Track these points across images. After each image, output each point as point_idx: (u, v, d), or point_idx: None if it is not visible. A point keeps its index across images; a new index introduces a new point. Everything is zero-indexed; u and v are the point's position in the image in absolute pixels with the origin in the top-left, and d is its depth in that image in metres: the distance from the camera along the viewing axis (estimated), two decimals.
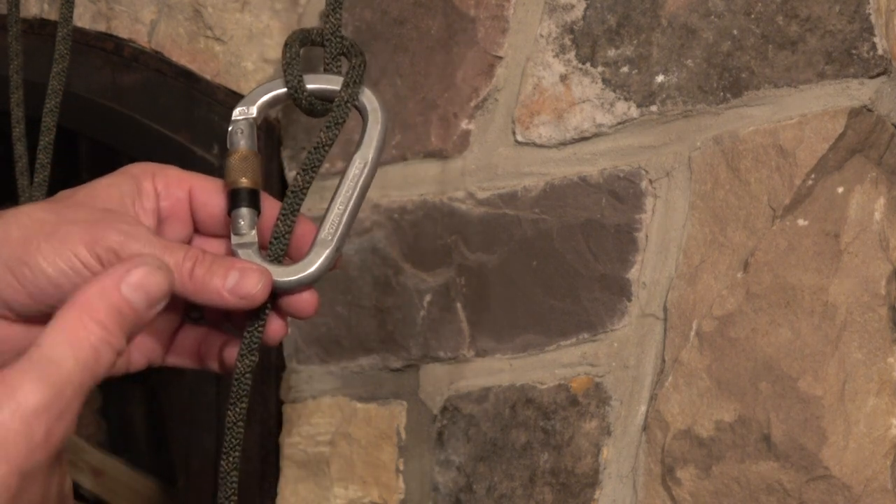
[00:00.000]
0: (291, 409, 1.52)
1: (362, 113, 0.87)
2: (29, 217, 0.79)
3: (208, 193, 0.85)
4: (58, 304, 0.78)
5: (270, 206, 0.86)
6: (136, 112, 1.63)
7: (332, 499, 1.48)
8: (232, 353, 0.85)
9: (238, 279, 0.79)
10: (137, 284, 0.71)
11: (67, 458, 0.72)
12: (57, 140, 1.23)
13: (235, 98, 1.57)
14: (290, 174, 1.52)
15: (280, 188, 1.55)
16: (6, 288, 0.77)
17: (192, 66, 1.59)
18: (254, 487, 1.54)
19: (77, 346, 0.69)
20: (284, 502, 1.51)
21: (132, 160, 1.97)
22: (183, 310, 0.86)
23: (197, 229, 0.86)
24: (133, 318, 0.71)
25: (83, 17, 1.64)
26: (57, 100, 1.20)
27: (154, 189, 0.84)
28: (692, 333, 1.26)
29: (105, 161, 2.03)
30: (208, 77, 1.58)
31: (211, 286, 0.79)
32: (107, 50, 1.64)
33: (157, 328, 0.85)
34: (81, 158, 2.08)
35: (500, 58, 1.39)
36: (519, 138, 1.38)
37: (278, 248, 0.83)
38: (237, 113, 0.85)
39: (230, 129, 0.85)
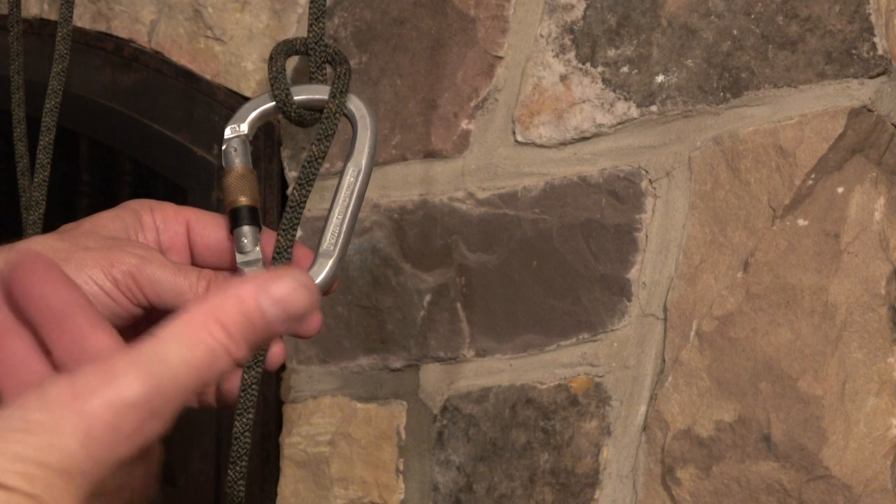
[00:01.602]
0: (291, 409, 1.52)
1: (351, 121, 0.87)
2: (42, 246, 0.79)
3: (204, 226, 0.86)
4: None
5: (269, 240, 0.86)
6: (136, 112, 1.63)
7: (332, 499, 1.48)
8: (228, 387, 0.86)
9: None
10: (279, 298, 0.67)
11: (159, 452, 0.69)
12: (57, 140, 1.23)
13: (235, 98, 1.57)
14: (291, 174, 1.52)
15: (280, 188, 1.55)
16: None
17: (192, 66, 1.59)
18: (254, 488, 1.54)
19: (192, 346, 0.65)
20: (284, 502, 1.51)
21: (132, 160, 1.98)
22: None
23: (194, 261, 0.86)
24: (262, 330, 0.67)
25: (83, 17, 1.64)
26: (57, 100, 1.20)
27: (154, 222, 0.85)
28: (692, 333, 1.26)
29: (105, 161, 2.03)
30: (208, 77, 1.58)
31: None
32: (107, 50, 1.64)
33: None
34: (81, 158, 2.08)
35: (500, 58, 1.39)
36: (519, 138, 1.38)
37: (281, 263, 0.84)
38: (229, 131, 0.87)
39: (223, 148, 0.86)
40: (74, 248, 0.79)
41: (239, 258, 0.84)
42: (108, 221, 0.84)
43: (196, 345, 0.64)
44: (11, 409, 0.61)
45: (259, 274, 0.68)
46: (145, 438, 0.63)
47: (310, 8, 0.91)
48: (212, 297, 0.66)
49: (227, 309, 0.65)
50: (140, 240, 0.84)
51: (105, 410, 0.62)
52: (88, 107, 1.65)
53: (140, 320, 0.83)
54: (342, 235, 0.85)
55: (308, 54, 0.90)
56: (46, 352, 0.70)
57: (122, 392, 0.62)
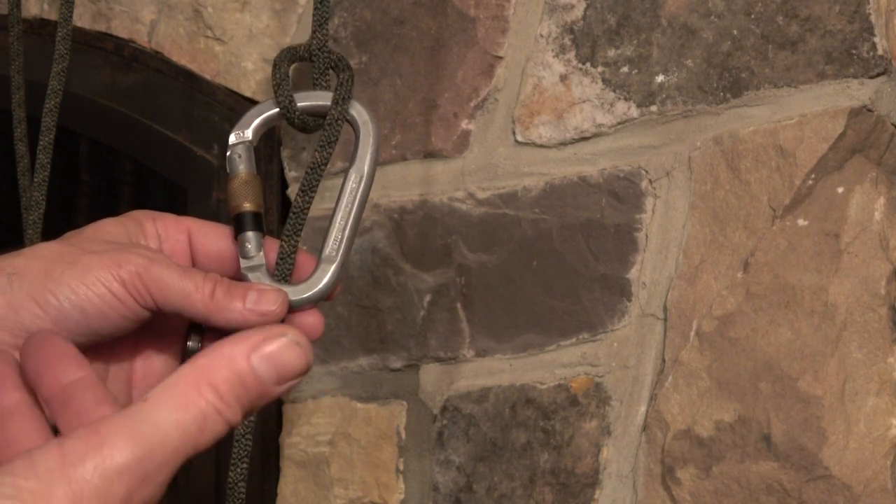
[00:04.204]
0: (291, 409, 1.52)
1: (354, 126, 0.88)
2: (48, 250, 0.80)
3: (205, 234, 0.86)
4: (83, 331, 0.78)
5: (272, 249, 0.87)
6: (136, 112, 1.64)
7: (332, 499, 1.48)
8: None
9: (257, 298, 0.81)
10: (270, 356, 0.67)
11: None
12: (57, 140, 1.23)
13: (235, 98, 1.57)
14: (290, 174, 1.52)
15: (280, 188, 1.55)
16: (29, 317, 0.78)
17: (192, 66, 1.59)
18: (254, 487, 1.54)
19: (183, 409, 0.64)
20: (284, 502, 1.51)
21: (132, 160, 1.98)
22: (181, 352, 0.88)
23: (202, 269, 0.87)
24: (256, 391, 0.66)
25: (83, 17, 1.64)
26: (57, 100, 1.20)
27: (156, 231, 0.85)
28: (692, 333, 1.26)
29: (105, 161, 2.03)
30: (208, 77, 1.58)
31: (231, 306, 0.80)
32: (107, 50, 1.64)
33: (158, 369, 0.86)
34: (81, 158, 2.08)
35: (500, 58, 1.39)
36: (519, 138, 1.38)
37: (285, 268, 0.85)
38: (233, 138, 0.87)
39: (228, 154, 0.87)
40: (80, 251, 0.79)
41: (243, 263, 0.84)
42: (111, 227, 0.84)
43: (186, 407, 0.64)
44: (1, 476, 0.61)
45: (250, 333, 0.68)
46: None
47: (314, 14, 0.91)
48: (201, 358, 0.66)
49: (217, 370, 0.65)
50: None
51: (94, 476, 0.62)
52: (88, 107, 1.65)
53: (145, 326, 0.83)
54: (344, 241, 0.85)
55: (312, 61, 0.91)
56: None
57: (111, 457, 0.62)
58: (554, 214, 1.35)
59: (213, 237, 0.86)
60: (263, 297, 0.81)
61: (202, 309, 0.80)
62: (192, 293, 0.79)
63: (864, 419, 1.18)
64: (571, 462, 1.32)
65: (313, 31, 0.91)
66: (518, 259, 1.37)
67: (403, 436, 1.44)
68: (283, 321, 0.84)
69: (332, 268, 0.85)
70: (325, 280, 0.84)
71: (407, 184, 1.44)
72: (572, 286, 1.34)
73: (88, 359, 0.82)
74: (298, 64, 0.92)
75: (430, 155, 1.43)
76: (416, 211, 1.43)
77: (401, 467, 1.44)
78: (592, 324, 1.33)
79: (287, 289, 0.83)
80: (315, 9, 0.92)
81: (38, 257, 0.79)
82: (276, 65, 0.89)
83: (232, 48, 1.57)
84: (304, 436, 1.50)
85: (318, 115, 0.89)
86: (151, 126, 1.62)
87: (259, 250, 0.84)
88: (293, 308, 0.84)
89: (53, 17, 1.67)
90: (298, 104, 0.88)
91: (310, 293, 0.84)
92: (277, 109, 0.89)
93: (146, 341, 0.86)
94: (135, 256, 0.79)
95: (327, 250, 0.85)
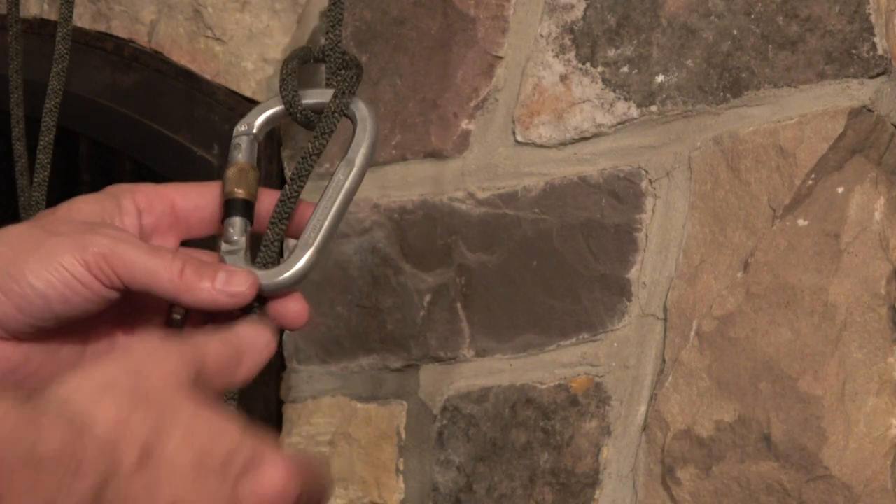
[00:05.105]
0: (291, 409, 1.52)
1: (353, 122, 0.88)
2: (16, 235, 0.79)
3: (193, 201, 0.85)
4: (47, 316, 0.78)
5: (270, 199, 0.87)
6: (136, 112, 1.63)
7: (332, 499, 1.48)
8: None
9: (227, 279, 0.80)
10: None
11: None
12: (57, 140, 1.23)
13: (235, 98, 1.57)
14: (290, 174, 1.52)
15: (280, 188, 1.55)
16: None
17: (192, 66, 1.59)
18: None
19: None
20: None
21: (132, 160, 1.98)
22: (166, 314, 0.87)
23: (191, 236, 0.86)
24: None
25: (83, 17, 1.64)
26: (57, 100, 1.20)
27: (135, 206, 0.84)
28: (692, 333, 1.26)
29: (105, 161, 2.03)
30: (208, 77, 1.58)
31: (200, 285, 0.80)
32: (107, 50, 1.64)
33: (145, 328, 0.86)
34: (81, 158, 2.08)
35: (500, 58, 1.39)
36: (519, 138, 1.38)
37: (267, 255, 0.84)
38: (237, 131, 0.87)
39: (231, 143, 0.86)
40: (46, 234, 0.79)
41: (224, 247, 0.83)
42: (84, 205, 0.83)
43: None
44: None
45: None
46: None
47: (328, 15, 0.92)
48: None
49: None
50: (118, 224, 0.83)
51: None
52: (88, 107, 1.65)
53: (116, 304, 0.82)
54: (324, 229, 0.84)
55: (324, 61, 0.91)
56: None
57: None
58: (554, 214, 1.35)
59: (200, 200, 0.85)
60: (233, 277, 0.80)
61: (171, 288, 0.79)
62: (161, 272, 0.79)
63: (864, 419, 1.18)
64: (571, 462, 1.32)
65: (326, 32, 0.91)
66: (518, 259, 1.37)
67: (403, 436, 1.44)
68: (262, 306, 0.83)
69: (307, 254, 0.83)
70: (299, 265, 0.83)
71: (407, 184, 1.44)
72: (572, 286, 1.34)
73: (63, 340, 0.82)
74: (312, 64, 0.92)
75: (430, 155, 1.43)
76: (416, 211, 1.43)
77: (401, 467, 1.44)
78: (592, 324, 1.33)
79: (259, 272, 0.82)
80: (329, 9, 0.92)
81: (4, 243, 0.78)
82: (286, 62, 0.90)
83: (232, 48, 1.57)
84: (304, 436, 1.50)
85: (321, 111, 0.89)
86: (151, 126, 1.62)
87: (242, 236, 0.84)
88: (268, 293, 0.83)
89: (53, 17, 1.67)
90: (303, 101, 0.89)
91: (282, 277, 0.83)
92: (282, 106, 0.89)
93: (128, 317, 0.85)
94: (100, 237, 0.78)
95: (305, 237, 0.84)
